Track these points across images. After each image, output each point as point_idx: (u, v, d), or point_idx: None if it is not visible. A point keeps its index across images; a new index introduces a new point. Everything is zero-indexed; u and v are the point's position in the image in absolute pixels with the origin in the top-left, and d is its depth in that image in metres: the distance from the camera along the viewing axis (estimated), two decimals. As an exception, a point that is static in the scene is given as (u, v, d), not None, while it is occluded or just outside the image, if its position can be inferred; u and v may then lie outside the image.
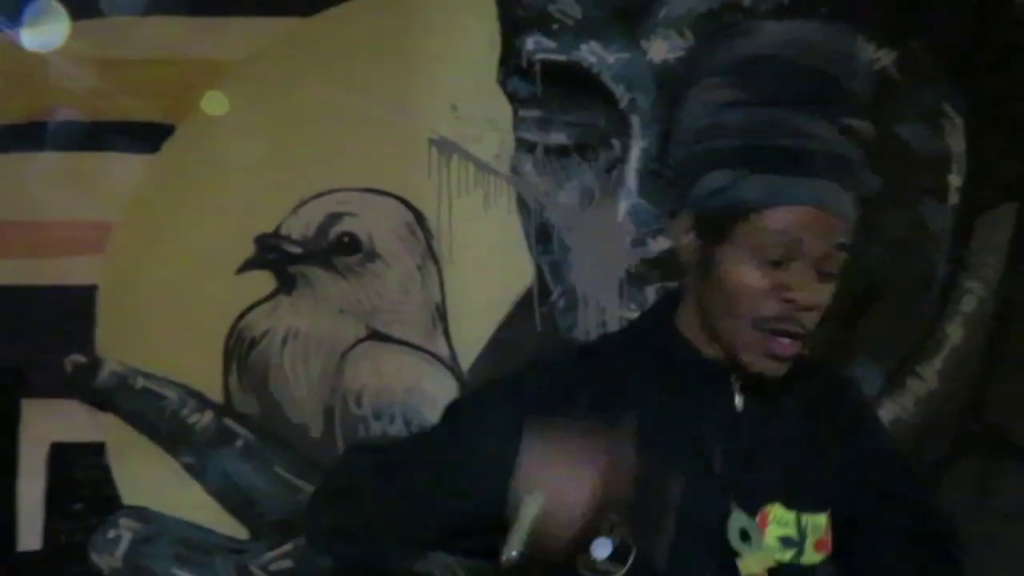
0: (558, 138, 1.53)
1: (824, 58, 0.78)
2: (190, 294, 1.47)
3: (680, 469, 0.75)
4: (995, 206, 1.56)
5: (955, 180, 1.54)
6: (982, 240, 1.54)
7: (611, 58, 1.53)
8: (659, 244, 1.50)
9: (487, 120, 1.53)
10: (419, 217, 1.51)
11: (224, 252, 1.47)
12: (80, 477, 1.43)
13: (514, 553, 0.63)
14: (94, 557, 1.41)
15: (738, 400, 0.83)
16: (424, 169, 1.51)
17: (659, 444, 0.78)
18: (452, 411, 0.88)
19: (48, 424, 1.44)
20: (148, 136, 1.49)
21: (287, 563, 1.43)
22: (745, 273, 0.77)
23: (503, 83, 1.54)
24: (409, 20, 1.55)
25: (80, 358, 1.44)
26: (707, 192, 0.78)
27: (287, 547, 1.43)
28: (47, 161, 1.47)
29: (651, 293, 1.49)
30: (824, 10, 1.52)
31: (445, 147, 1.52)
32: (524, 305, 1.50)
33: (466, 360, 1.48)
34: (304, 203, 1.49)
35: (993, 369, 1.51)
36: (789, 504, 0.81)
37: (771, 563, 0.79)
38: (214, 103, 1.50)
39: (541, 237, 1.52)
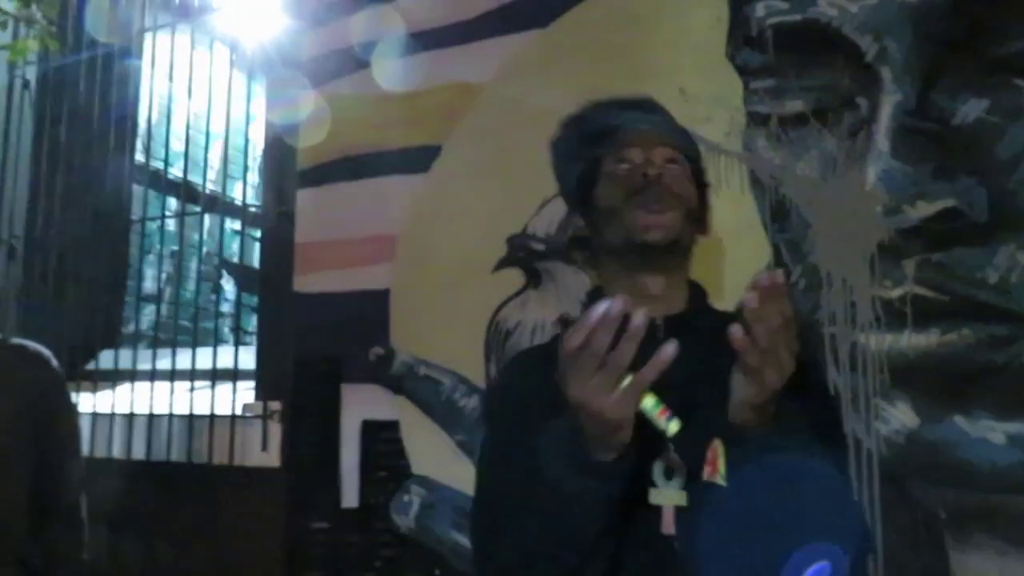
0: (793, 106, 1.41)
1: None
2: (458, 292, 1.67)
3: None
4: None
5: None
6: None
7: (854, 7, 1.37)
8: (919, 210, 1.30)
9: (715, 99, 1.47)
10: (650, 205, 1.51)
11: (483, 253, 1.65)
12: (382, 449, 1.72)
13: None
14: (394, 517, 1.68)
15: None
16: (654, 157, 1.51)
17: None
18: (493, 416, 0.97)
19: (360, 404, 1.76)
20: (421, 158, 1.74)
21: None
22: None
23: (732, 56, 1.47)
24: (639, 9, 1.56)
25: (380, 350, 1.74)
26: None
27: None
28: (349, 189, 1.80)
29: (910, 267, 1.30)
30: None
31: (674, 132, 1.50)
32: (761, 288, 1.41)
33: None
34: (546, 203, 1.60)
35: None
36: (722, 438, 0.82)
37: (679, 502, 0.80)
38: (468, 121, 1.69)
39: (777, 215, 1.41)
